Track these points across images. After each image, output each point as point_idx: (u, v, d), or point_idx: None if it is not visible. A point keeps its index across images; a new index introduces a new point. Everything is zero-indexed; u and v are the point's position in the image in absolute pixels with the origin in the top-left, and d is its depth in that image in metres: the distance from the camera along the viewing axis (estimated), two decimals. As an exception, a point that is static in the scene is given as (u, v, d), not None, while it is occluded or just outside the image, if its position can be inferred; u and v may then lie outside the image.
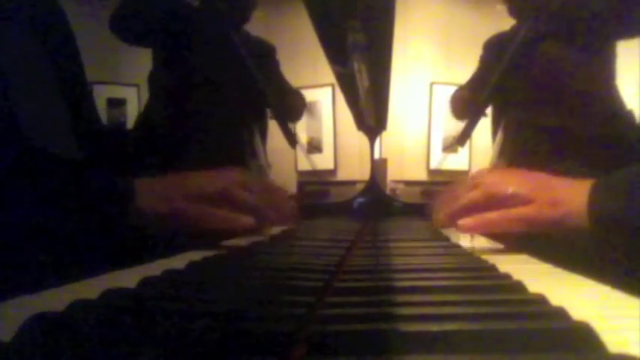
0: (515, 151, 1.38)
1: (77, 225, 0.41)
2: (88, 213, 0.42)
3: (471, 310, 0.23)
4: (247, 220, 0.49)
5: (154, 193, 0.47)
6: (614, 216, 0.42)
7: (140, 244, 0.45)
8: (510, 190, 0.49)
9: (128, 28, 1.43)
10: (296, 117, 1.76)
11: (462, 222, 0.49)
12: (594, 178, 0.46)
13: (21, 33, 0.51)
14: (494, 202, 0.50)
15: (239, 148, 1.44)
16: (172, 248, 0.46)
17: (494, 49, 1.51)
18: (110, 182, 0.45)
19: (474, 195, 0.52)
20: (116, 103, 3.22)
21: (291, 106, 1.67)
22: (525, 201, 0.48)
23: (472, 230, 0.49)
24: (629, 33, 1.36)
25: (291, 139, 1.51)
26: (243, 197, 0.51)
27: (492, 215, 0.48)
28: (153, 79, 1.53)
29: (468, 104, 1.55)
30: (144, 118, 1.54)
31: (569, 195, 0.46)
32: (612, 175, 0.45)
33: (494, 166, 1.40)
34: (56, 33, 0.57)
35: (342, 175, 3.06)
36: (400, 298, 0.25)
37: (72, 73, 0.58)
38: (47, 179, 0.41)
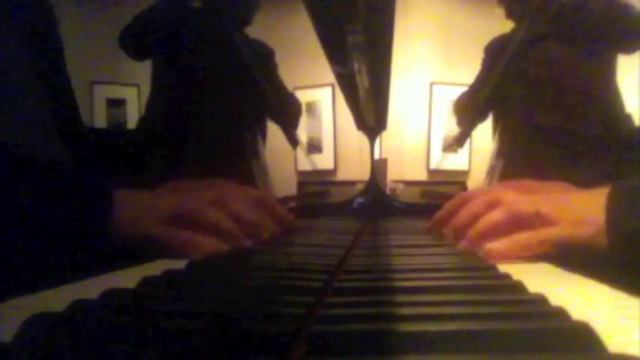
0: (514, 152, 1.38)
1: (75, 225, 0.40)
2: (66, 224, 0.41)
3: (471, 310, 0.23)
4: (210, 243, 0.46)
5: (124, 216, 0.44)
6: (635, 233, 0.40)
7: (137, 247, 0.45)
8: (534, 209, 0.46)
9: (137, 45, 1.49)
10: (294, 124, 1.76)
11: (490, 246, 0.45)
12: (609, 189, 0.44)
13: (5, 29, 0.50)
14: (517, 223, 0.47)
15: (241, 149, 1.44)
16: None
17: (496, 52, 1.52)
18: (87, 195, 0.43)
19: (497, 216, 0.48)
20: (116, 103, 3.22)
21: (288, 112, 1.67)
22: (549, 221, 0.45)
23: (503, 256, 0.45)
24: (626, 49, 1.36)
25: (293, 140, 1.52)
26: (216, 219, 0.48)
27: (522, 237, 0.45)
28: (154, 80, 1.54)
29: (470, 110, 1.55)
30: (145, 119, 1.55)
31: (594, 212, 0.43)
32: (628, 184, 0.43)
33: (493, 167, 1.40)
34: (40, 29, 0.56)
35: (342, 175, 3.06)
36: (400, 298, 0.25)
37: (54, 71, 0.57)
38: (38, 180, 0.40)
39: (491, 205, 0.49)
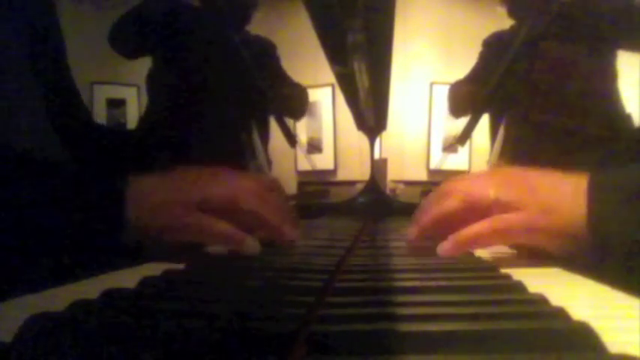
0: (516, 151, 1.38)
1: (74, 226, 0.40)
2: (78, 220, 0.39)
3: (471, 310, 0.23)
4: (254, 245, 0.43)
5: (149, 201, 0.42)
6: (618, 226, 0.36)
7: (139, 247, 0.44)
8: (492, 195, 0.41)
9: (128, 44, 1.45)
10: (299, 114, 1.75)
11: (438, 248, 0.42)
12: (589, 176, 0.40)
13: (6, 29, 0.49)
14: (473, 212, 0.42)
15: (238, 148, 1.44)
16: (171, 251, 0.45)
17: (494, 47, 1.52)
18: (100, 188, 0.41)
19: (449, 204, 0.44)
20: (116, 103, 3.22)
21: (294, 102, 1.67)
22: (512, 208, 0.40)
23: (452, 254, 0.41)
24: (630, 47, 1.36)
25: (291, 138, 1.52)
26: (255, 210, 0.45)
27: (474, 230, 0.41)
28: (152, 80, 1.53)
29: (469, 101, 1.55)
30: (144, 119, 1.55)
31: (566, 199, 0.39)
32: (611, 175, 0.40)
33: (495, 167, 1.40)
34: (41, 29, 0.55)
35: (342, 175, 3.06)
36: (400, 298, 0.25)
37: (53, 67, 0.56)
38: (42, 180, 0.40)
39: (446, 194, 0.45)
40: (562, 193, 0.40)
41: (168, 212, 0.42)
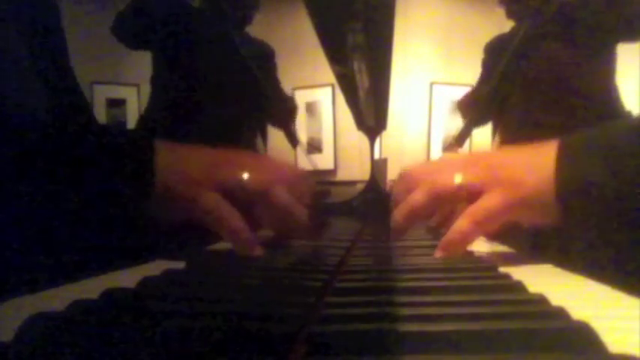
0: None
1: (79, 221, 0.40)
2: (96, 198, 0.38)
3: (471, 310, 0.23)
4: (260, 253, 0.42)
5: (181, 172, 0.40)
6: (586, 186, 0.36)
7: (140, 243, 0.44)
8: (457, 181, 0.41)
9: (130, 32, 1.46)
10: (283, 126, 1.73)
11: (437, 254, 0.42)
12: (559, 140, 0.39)
13: (6, 28, 0.49)
14: (440, 200, 0.42)
15: (239, 147, 1.45)
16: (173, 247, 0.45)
17: (496, 52, 1.52)
18: (129, 151, 0.39)
19: (415, 199, 0.43)
20: (116, 103, 3.22)
21: (279, 115, 1.67)
22: (479, 190, 0.40)
23: (453, 253, 0.41)
24: (629, 36, 1.36)
25: (293, 139, 1.52)
26: (287, 208, 0.43)
27: (457, 230, 0.40)
28: (155, 81, 1.54)
29: (472, 107, 1.56)
30: (145, 118, 1.55)
31: (533, 168, 0.39)
32: (577, 138, 0.39)
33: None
34: (43, 26, 0.54)
35: (342, 175, 3.06)
36: (400, 298, 0.25)
37: (55, 67, 0.56)
38: (48, 174, 0.40)
39: (411, 184, 0.45)
40: (527, 164, 0.40)
41: (189, 188, 0.40)
